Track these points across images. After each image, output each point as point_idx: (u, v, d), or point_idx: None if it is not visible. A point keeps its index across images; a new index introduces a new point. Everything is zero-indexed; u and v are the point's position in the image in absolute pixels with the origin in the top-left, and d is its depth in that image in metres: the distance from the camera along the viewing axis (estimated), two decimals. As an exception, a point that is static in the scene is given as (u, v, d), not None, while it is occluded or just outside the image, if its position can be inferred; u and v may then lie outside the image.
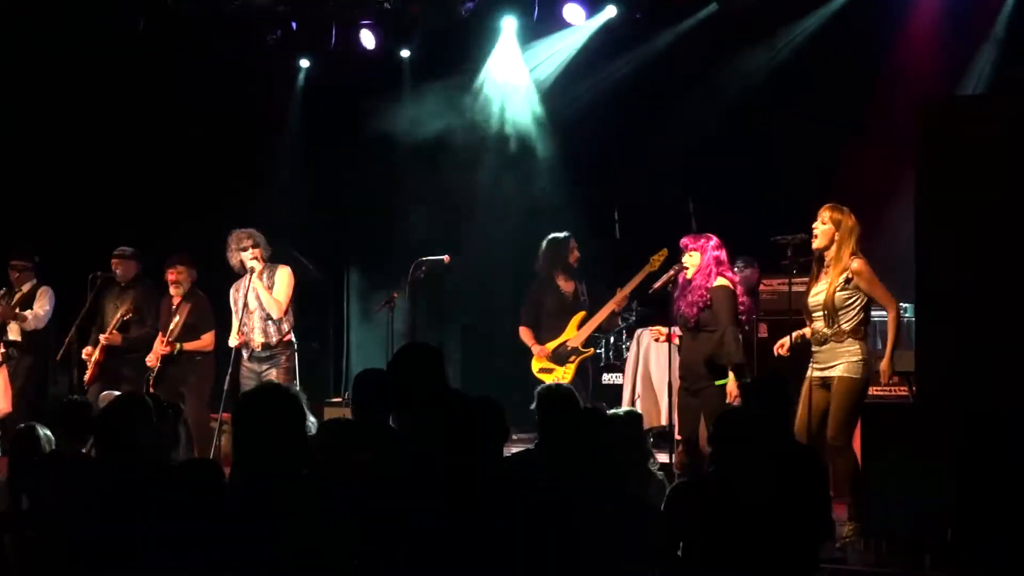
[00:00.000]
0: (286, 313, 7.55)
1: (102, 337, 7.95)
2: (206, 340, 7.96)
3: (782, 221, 6.59)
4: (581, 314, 7.74)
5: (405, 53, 10.07)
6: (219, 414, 7.74)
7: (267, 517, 3.16)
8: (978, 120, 5.25)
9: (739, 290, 6.59)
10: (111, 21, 9.32)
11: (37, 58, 9.35)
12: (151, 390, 7.41)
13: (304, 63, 10.26)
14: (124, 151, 9.82)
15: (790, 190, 8.27)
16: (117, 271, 8.12)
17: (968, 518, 5.09)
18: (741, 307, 6.59)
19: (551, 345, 7.66)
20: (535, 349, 7.69)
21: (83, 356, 8.01)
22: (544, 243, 7.87)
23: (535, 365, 7.71)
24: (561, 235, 7.87)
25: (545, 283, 7.85)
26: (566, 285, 7.83)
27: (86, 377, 7.97)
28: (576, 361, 7.58)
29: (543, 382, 7.12)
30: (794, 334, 6.18)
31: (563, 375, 7.52)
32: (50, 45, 9.31)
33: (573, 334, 7.64)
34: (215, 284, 8.03)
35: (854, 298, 5.85)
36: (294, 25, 9.66)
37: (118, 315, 7.96)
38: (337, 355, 10.55)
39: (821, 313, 5.91)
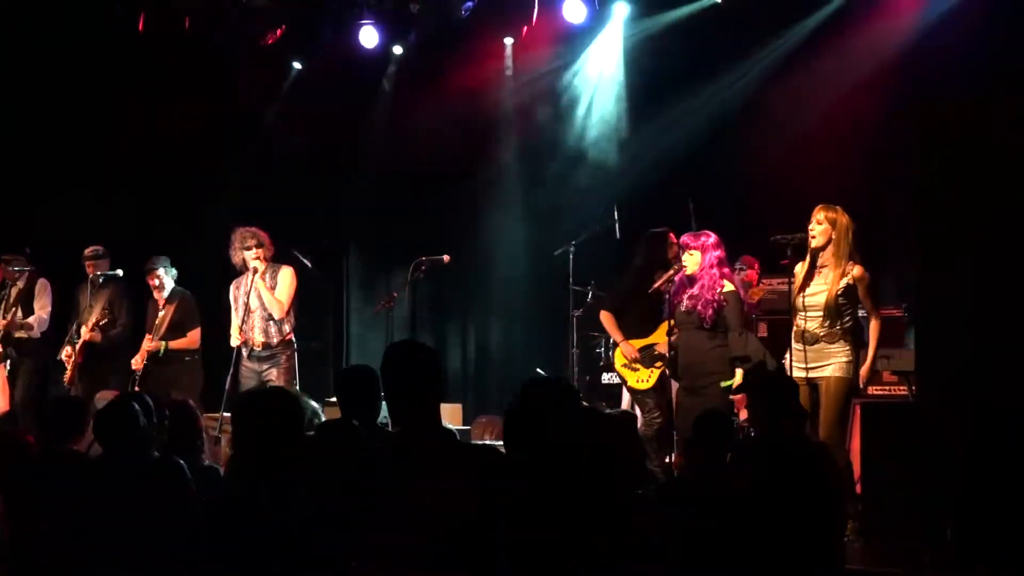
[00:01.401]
0: (287, 313, 7.54)
1: (83, 332, 7.89)
2: (192, 337, 7.95)
3: (782, 221, 6.59)
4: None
5: (398, 49, 10.05)
6: (219, 413, 7.73)
7: (263, 518, 3.15)
8: (977, 120, 5.24)
9: (740, 292, 6.65)
10: (108, 18, 9.31)
11: (31, 53, 9.34)
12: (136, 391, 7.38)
13: (297, 65, 10.22)
14: (121, 149, 9.82)
15: (790, 190, 8.25)
16: (90, 272, 8.11)
17: (968, 517, 5.09)
18: (746, 306, 6.64)
19: (638, 343, 7.12)
20: (624, 347, 7.11)
21: (63, 357, 7.96)
22: (644, 238, 7.34)
23: (619, 360, 7.24)
24: (659, 229, 7.32)
25: (644, 278, 7.18)
26: (663, 284, 7.10)
27: (66, 378, 7.93)
28: (662, 367, 7.02)
29: (624, 378, 7.15)
30: None
31: (647, 378, 7.06)
32: (44, 40, 9.30)
33: (662, 339, 7.08)
34: (214, 282, 8.02)
35: (852, 302, 5.93)
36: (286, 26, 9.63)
37: (94, 316, 7.94)
38: (337, 355, 10.54)
39: (819, 314, 5.93)
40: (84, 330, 7.90)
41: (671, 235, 7.21)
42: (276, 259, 7.69)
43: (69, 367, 7.91)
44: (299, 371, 7.65)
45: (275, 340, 7.50)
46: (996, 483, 5.03)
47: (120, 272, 8.15)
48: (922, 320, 5.55)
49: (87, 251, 8.20)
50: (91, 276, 8.09)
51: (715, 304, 6.46)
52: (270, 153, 10.20)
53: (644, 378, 7.07)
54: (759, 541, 3.90)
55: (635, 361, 7.06)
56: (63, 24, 9.29)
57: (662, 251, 7.23)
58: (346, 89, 10.11)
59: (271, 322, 7.49)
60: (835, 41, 8.52)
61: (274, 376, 7.40)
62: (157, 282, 7.94)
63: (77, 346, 7.91)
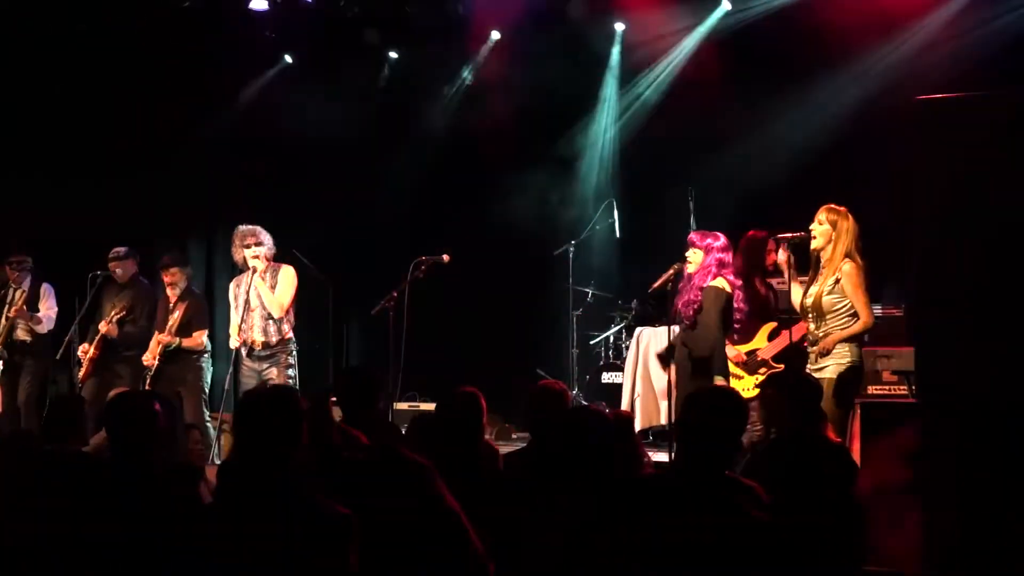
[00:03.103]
0: (287, 313, 7.55)
1: (101, 326, 7.96)
2: (197, 339, 7.98)
3: (782, 221, 6.59)
4: (772, 324, 6.88)
5: (393, 54, 10.07)
6: (219, 413, 7.75)
7: (263, 516, 3.16)
8: (978, 118, 5.24)
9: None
10: (110, 18, 9.33)
11: (34, 52, 9.35)
12: (148, 389, 7.42)
13: (288, 59, 10.23)
14: (121, 148, 9.82)
15: (790, 189, 8.27)
16: (116, 271, 8.16)
17: (968, 517, 5.09)
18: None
19: (743, 348, 6.80)
20: (730, 350, 6.73)
21: (79, 353, 8.01)
22: (742, 242, 6.97)
23: None
24: (760, 234, 6.99)
25: (742, 284, 6.83)
26: (761, 288, 6.94)
27: (80, 374, 7.99)
28: (766, 375, 6.66)
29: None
30: None
31: (751, 386, 6.71)
32: (44, 40, 9.32)
33: (763, 344, 6.84)
34: (214, 281, 8.04)
35: (844, 301, 5.86)
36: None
37: (114, 312, 7.99)
38: (337, 355, 10.55)
39: (815, 314, 5.91)
40: (103, 324, 7.95)
41: (771, 241, 6.82)
42: (277, 259, 7.71)
43: (85, 363, 7.96)
44: (299, 370, 7.66)
45: (274, 339, 7.50)
46: (996, 483, 5.03)
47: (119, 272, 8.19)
48: (922, 320, 5.54)
49: (112, 252, 8.22)
50: (97, 275, 8.14)
51: (694, 304, 6.43)
52: (270, 153, 10.20)
53: (747, 386, 6.72)
54: (783, 542, 3.88)
55: (739, 366, 6.72)
56: (63, 24, 9.30)
57: (761, 257, 6.94)
58: (345, 89, 10.11)
59: (270, 321, 7.49)
60: (836, 38, 8.53)
61: (274, 375, 7.41)
62: (171, 279, 7.98)
63: (95, 340, 7.94)
